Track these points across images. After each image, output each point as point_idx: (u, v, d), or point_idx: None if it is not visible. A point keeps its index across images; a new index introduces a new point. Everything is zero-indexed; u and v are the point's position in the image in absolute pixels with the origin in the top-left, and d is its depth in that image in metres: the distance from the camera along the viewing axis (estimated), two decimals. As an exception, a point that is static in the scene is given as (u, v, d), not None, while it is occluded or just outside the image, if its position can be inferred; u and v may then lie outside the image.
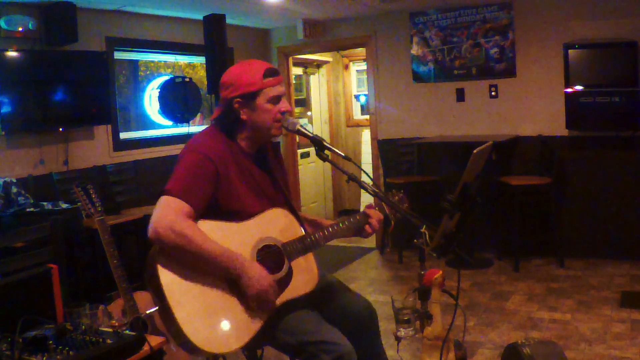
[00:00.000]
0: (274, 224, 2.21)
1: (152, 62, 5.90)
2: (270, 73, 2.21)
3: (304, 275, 2.21)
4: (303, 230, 2.29)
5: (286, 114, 2.24)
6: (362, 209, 2.48)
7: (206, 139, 2.21)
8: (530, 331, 3.90)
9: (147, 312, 2.88)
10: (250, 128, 2.22)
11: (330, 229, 2.29)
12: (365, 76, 7.38)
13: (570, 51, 5.22)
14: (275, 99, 2.21)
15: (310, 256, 2.25)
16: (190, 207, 2.01)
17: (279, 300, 2.13)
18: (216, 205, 2.12)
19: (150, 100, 5.77)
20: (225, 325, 2.01)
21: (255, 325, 2.07)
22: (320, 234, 2.26)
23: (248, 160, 2.24)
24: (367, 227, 2.35)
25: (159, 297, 1.97)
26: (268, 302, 2.07)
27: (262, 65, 2.22)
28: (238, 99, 2.18)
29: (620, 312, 4.12)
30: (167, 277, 1.97)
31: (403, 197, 2.52)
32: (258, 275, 2.04)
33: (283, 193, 2.34)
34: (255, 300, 2.05)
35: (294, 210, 2.32)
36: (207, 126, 2.33)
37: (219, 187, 2.11)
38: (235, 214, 2.14)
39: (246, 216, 2.16)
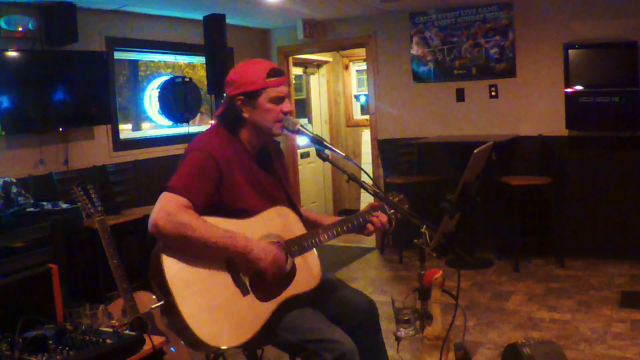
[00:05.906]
0: (277, 222, 2.22)
1: (152, 62, 5.90)
2: (275, 73, 2.20)
3: (307, 272, 2.22)
4: (305, 228, 2.30)
5: (288, 115, 2.24)
6: (361, 208, 2.49)
7: (211, 137, 2.22)
8: (530, 331, 3.90)
9: (152, 307, 2.89)
10: (251, 127, 2.23)
11: (333, 230, 2.30)
12: (365, 76, 7.38)
13: (570, 51, 5.22)
14: (278, 99, 2.21)
15: (313, 253, 2.27)
16: (190, 203, 2.02)
17: (283, 297, 2.14)
18: (220, 204, 2.13)
19: (150, 100, 5.77)
20: (230, 319, 2.02)
21: (259, 320, 2.07)
22: (323, 233, 2.28)
23: (251, 160, 2.25)
24: (369, 225, 2.36)
25: (164, 292, 1.97)
26: (283, 267, 2.11)
27: (267, 65, 2.22)
28: (240, 97, 2.19)
29: (620, 312, 4.12)
30: (171, 272, 1.98)
31: (403, 198, 2.54)
32: (266, 246, 2.08)
33: (285, 191, 2.35)
34: (271, 267, 2.07)
35: (296, 208, 2.34)
36: (209, 125, 2.33)
37: (222, 186, 2.12)
38: (238, 212, 2.15)
39: (249, 215, 2.17)
